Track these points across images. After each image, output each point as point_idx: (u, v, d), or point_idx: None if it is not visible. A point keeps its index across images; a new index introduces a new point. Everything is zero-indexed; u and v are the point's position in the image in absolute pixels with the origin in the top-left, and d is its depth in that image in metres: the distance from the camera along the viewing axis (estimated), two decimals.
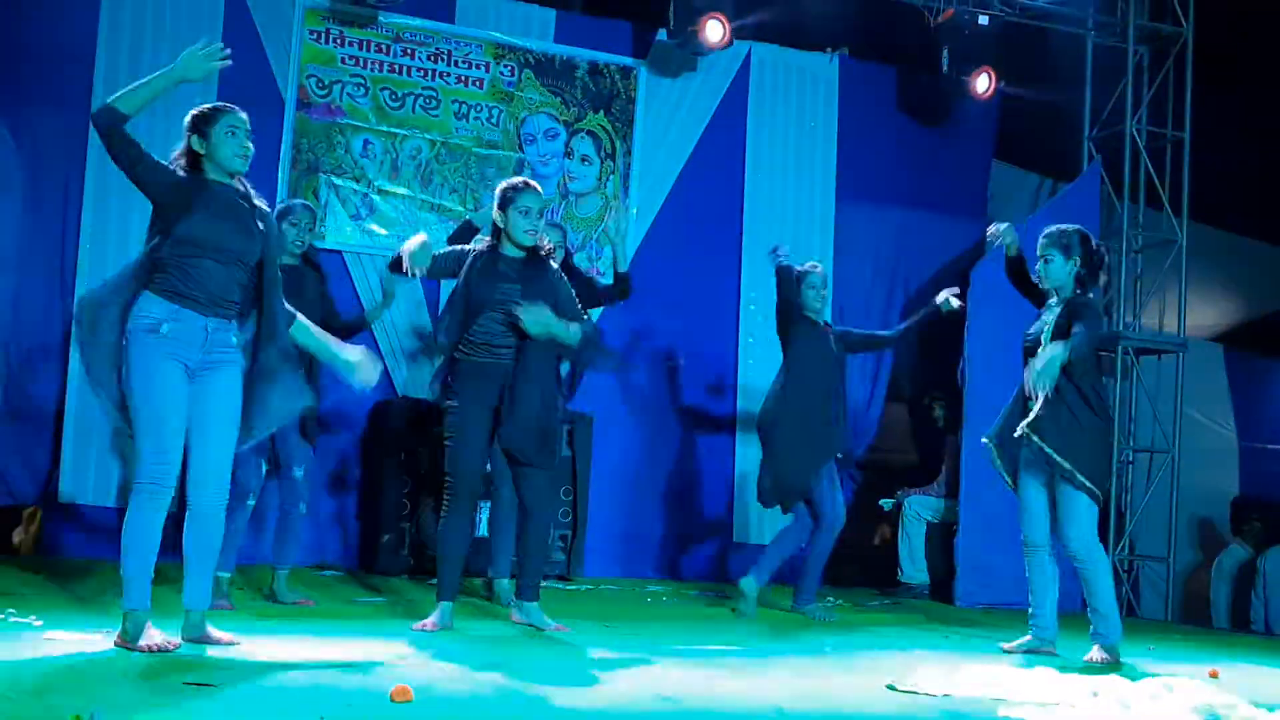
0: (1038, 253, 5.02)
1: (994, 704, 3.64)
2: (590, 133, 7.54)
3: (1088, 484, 4.78)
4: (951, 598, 7.13)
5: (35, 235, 6.45)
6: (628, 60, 7.61)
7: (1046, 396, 4.75)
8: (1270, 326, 9.21)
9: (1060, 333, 4.81)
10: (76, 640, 3.93)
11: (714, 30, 7.17)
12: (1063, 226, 5.05)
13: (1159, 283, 8.32)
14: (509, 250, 4.87)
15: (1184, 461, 8.08)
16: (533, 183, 4.90)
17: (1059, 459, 4.78)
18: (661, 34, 7.45)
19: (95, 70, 6.52)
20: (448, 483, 4.87)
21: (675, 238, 7.64)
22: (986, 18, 7.80)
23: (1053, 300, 5.02)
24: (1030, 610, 5.04)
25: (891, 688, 3.87)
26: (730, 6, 7.24)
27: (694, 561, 7.60)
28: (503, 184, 4.93)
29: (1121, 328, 8.24)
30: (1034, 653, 4.94)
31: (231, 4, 6.79)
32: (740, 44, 7.66)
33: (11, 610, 4.45)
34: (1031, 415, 4.84)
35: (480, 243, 5.00)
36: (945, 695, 3.76)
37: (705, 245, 7.73)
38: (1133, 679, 3.98)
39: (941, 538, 7.44)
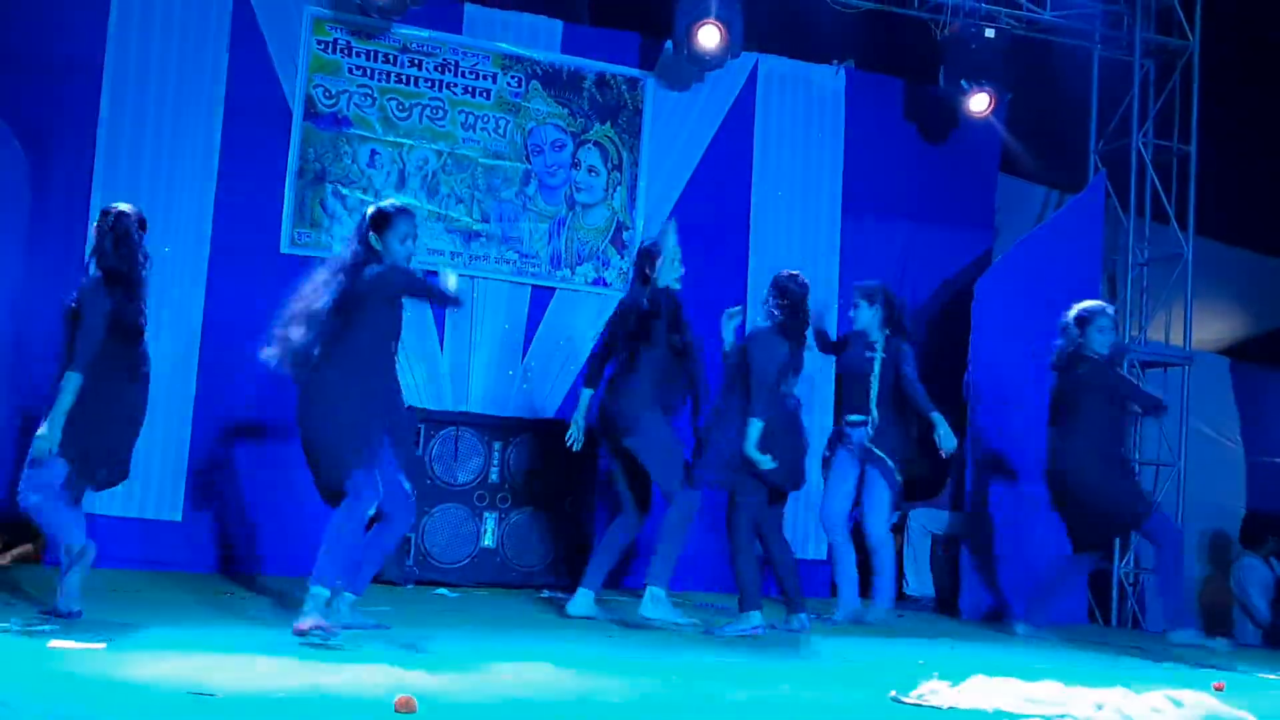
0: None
1: (998, 716, 3.63)
2: (597, 144, 7.55)
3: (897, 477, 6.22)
4: (957, 610, 7.11)
5: (42, 246, 6.46)
6: (635, 71, 7.62)
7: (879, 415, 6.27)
8: (1277, 339, 9.19)
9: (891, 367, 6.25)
10: (80, 649, 3.93)
11: (709, 36, 7.17)
12: (868, 281, 6.52)
13: (1165, 296, 8.31)
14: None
15: (1190, 475, 8.06)
16: None
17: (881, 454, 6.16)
18: (669, 45, 7.46)
19: (103, 80, 6.55)
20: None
21: (682, 248, 7.61)
22: (993, 30, 7.81)
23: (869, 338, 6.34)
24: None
25: (896, 700, 3.86)
26: (738, 17, 7.25)
27: (703, 573, 7.56)
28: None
29: (1127, 341, 8.23)
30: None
31: (239, 13, 6.82)
32: (747, 56, 7.67)
33: (16, 620, 4.45)
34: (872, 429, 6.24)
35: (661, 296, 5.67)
36: (950, 708, 3.75)
37: (711, 257, 7.71)
38: (1138, 691, 3.97)
39: (947, 550, 7.42)
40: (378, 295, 4.54)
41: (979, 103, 7.76)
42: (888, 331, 6.32)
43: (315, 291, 4.55)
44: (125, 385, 4.76)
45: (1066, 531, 6.10)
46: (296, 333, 4.50)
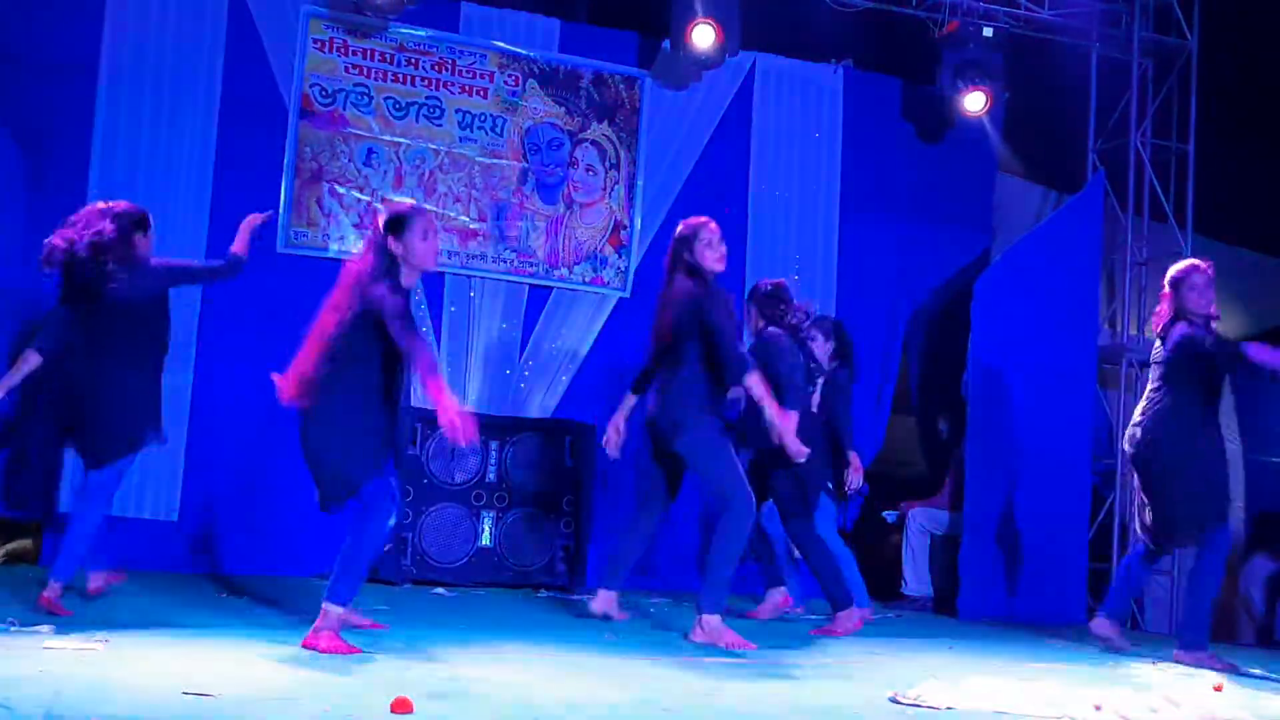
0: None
1: (997, 717, 3.62)
2: (594, 143, 7.54)
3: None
4: (955, 610, 7.10)
5: (39, 248, 6.40)
6: (632, 70, 7.61)
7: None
8: (1275, 339, 9.13)
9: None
10: (76, 649, 3.92)
11: (703, 35, 7.17)
12: (825, 315, 6.60)
13: None
14: None
15: None
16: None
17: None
18: (666, 44, 7.46)
19: (98, 79, 6.54)
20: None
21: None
22: (991, 30, 7.80)
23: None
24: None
25: (895, 700, 3.85)
26: (734, 16, 7.24)
27: (696, 573, 7.56)
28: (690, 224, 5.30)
29: (1125, 341, 8.22)
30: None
31: (235, 12, 6.81)
32: (744, 54, 7.66)
33: (13, 620, 4.44)
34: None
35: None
36: (948, 708, 3.74)
37: None
38: (1137, 692, 3.96)
39: (945, 550, 7.41)
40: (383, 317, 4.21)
41: (975, 101, 7.75)
42: (836, 363, 6.32)
43: (328, 315, 4.28)
44: (83, 357, 4.83)
45: (1148, 524, 5.56)
46: (305, 361, 4.27)
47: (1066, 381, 7.52)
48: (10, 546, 6.40)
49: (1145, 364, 8.18)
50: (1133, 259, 8.33)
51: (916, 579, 7.40)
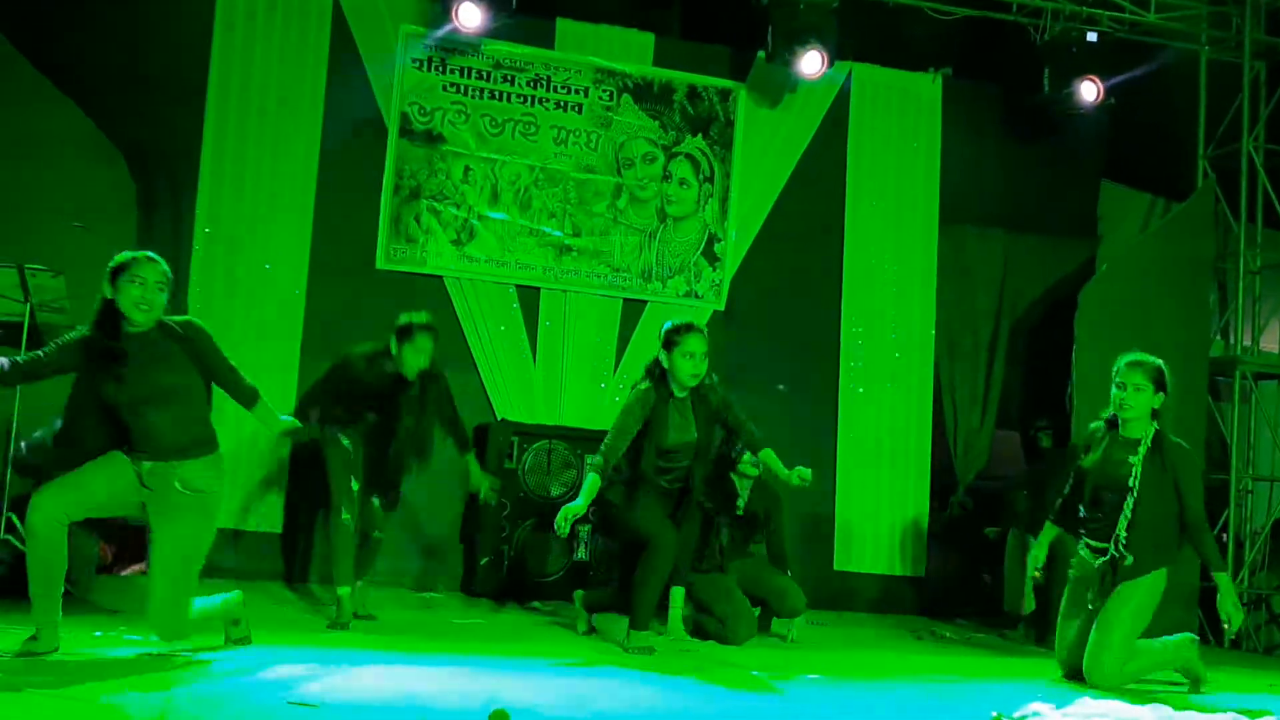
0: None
1: None
2: (689, 156, 7.53)
3: None
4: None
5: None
6: (726, 83, 7.59)
7: None
8: None
9: None
10: (174, 661, 4.00)
11: (811, 62, 7.14)
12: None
13: (1279, 304, 8.02)
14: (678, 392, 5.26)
15: None
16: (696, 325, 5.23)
17: None
18: (760, 55, 7.42)
19: (206, 100, 6.71)
20: None
21: (775, 261, 7.58)
22: (1095, 34, 7.62)
23: None
24: None
25: (998, 718, 3.76)
26: (831, 28, 7.18)
27: None
28: (667, 326, 5.26)
29: (1239, 352, 7.96)
30: None
31: (337, 32, 6.94)
32: (841, 65, 7.59)
33: (128, 630, 4.55)
34: None
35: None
36: None
37: (805, 268, 7.66)
38: (1252, 719, 3.81)
39: (1048, 566, 7.20)
40: None
41: (1088, 93, 7.53)
42: None
43: None
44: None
45: None
46: None
47: (1177, 394, 7.28)
48: (134, 568, 6.43)
49: (1260, 375, 7.94)
50: (1246, 267, 8.06)
51: (1019, 597, 7.22)
